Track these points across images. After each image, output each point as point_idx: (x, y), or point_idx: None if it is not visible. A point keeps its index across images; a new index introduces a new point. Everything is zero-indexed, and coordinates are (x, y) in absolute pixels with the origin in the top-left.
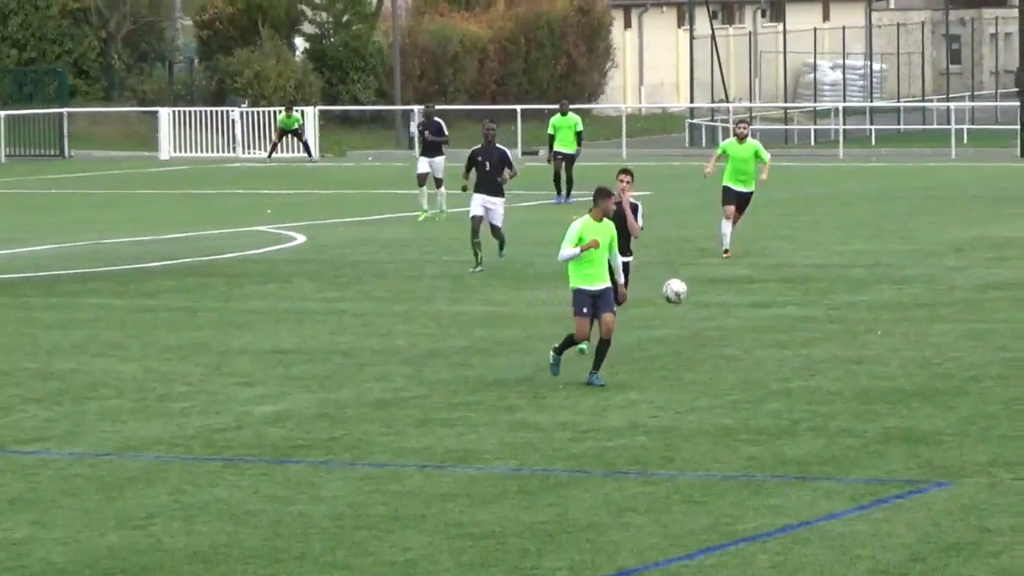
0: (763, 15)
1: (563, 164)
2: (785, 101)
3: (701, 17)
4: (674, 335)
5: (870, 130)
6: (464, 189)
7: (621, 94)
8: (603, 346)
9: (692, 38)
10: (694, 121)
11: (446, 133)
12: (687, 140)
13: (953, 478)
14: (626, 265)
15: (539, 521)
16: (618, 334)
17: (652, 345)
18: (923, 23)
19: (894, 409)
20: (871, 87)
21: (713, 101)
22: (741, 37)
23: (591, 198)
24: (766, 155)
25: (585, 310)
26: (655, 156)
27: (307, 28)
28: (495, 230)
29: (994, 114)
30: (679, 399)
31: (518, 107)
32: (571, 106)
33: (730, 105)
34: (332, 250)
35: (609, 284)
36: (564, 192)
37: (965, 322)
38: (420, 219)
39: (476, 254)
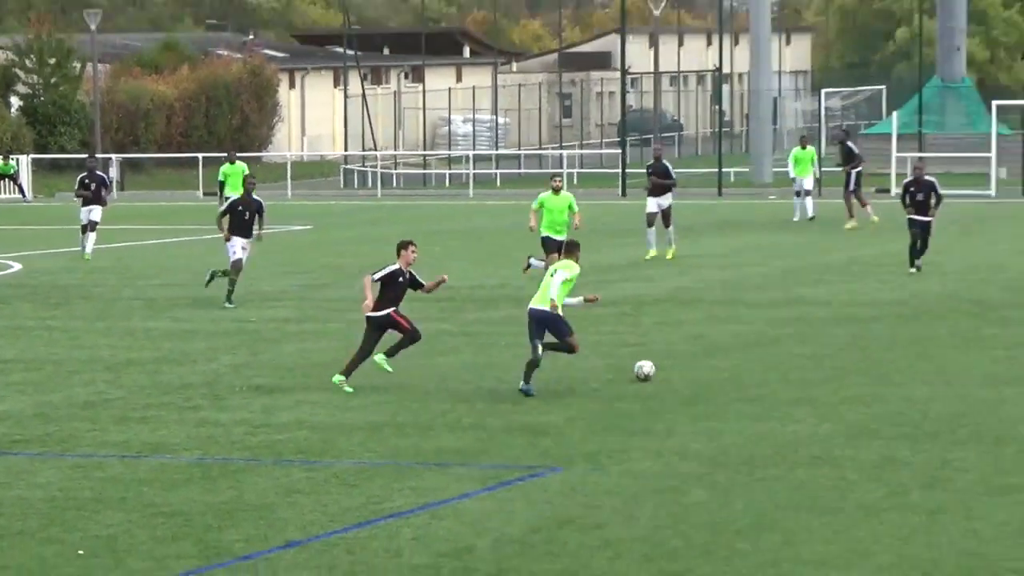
0: (406, 77)
1: None
2: (424, 149)
3: (354, 79)
4: (333, 346)
5: (496, 174)
6: (228, 238)
7: (287, 143)
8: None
9: (346, 97)
10: (348, 167)
11: (108, 184)
12: (342, 183)
13: (564, 464)
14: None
15: (220, 501)
16: (284, 345)
17: (312, 355)
18: (540, 83)
19: (516, 407)
20: (497, 137)
21: (364, 149)
22: (387, 96)
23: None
24: (576, 206)
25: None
26: (315, 196)
27: (21, 88)
28: (240, 269)
29: (600, 160)
30: (337, 400)
31: (199, 155)
32: (241, 155)
33: (378, 153)
34: (44, 276)
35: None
36: None
37: (577, 333)
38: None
39: (231, 291)
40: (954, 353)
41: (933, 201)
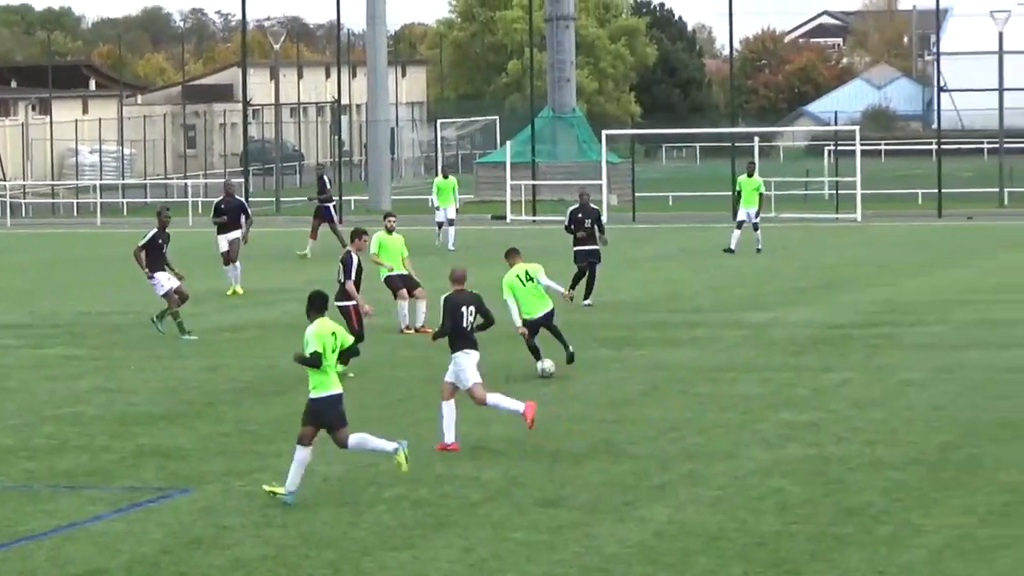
0: (34, 108)
1: None
2: (53, 179)
3: None
4: None
5: (123, 203)
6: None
7: None
8: None
9: None
10: None
11: None
12: None
13: (195, 485)
14: None
15: None
16: None
17: None
18: (165, 115)
19: (146, 430)
20: (123, 167)
21: None
22: (15, 127)
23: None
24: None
25: None
26: None
27: None
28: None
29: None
30: None
31: None
32: None
33: (7, 183)
34: None
35: None
36: None
37: (202, 358)
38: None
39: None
40: (574, 374)
41: (598, 229)
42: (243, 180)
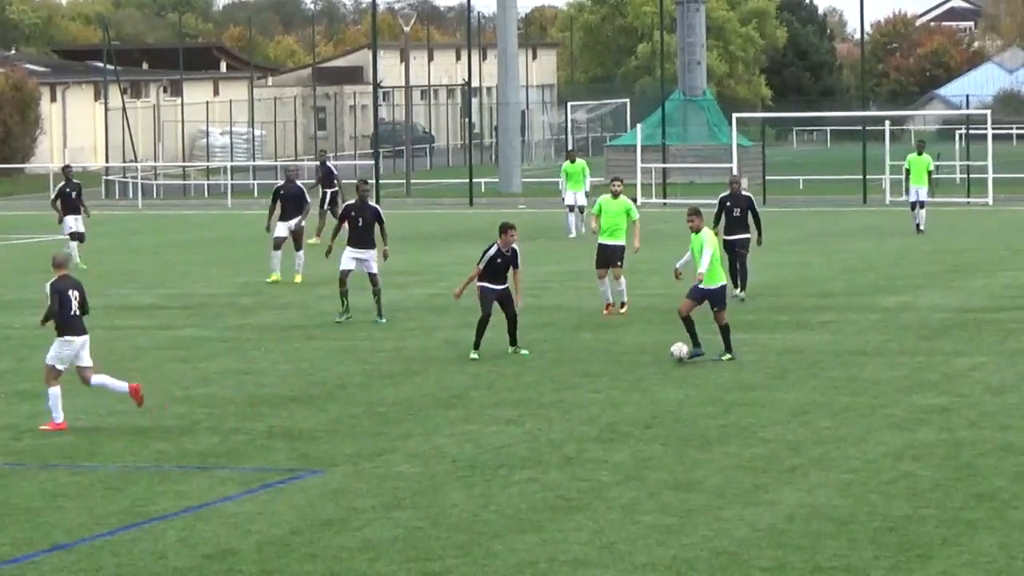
0: (165, 91)
1: None
2: (183, 161)
3: (114, 92)
4: (93, 353)
5: (254, 184)
6: (329, 251)
7: (49, 155)
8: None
9: (107, 110)
10: (109, 177)
11: None
12: (103, 193)
13: (325, 466)
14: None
15: None
16: (47, 351)
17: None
18: (295, 97)
19: (276, 411)
20: (254, 149)
21: (125, 161)
22: (147, 109)
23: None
24: (636, 213)
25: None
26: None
27: None
28: (373, 278)
29: (354, 171)
30: (101, 405)
31: None
32: (3, 166)
33: (138, 164)
34: None
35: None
36: None
37: (334, 340)
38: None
39: (343, 302)
40: (703, 357)
41: (751, 219)
42: (373, 162)
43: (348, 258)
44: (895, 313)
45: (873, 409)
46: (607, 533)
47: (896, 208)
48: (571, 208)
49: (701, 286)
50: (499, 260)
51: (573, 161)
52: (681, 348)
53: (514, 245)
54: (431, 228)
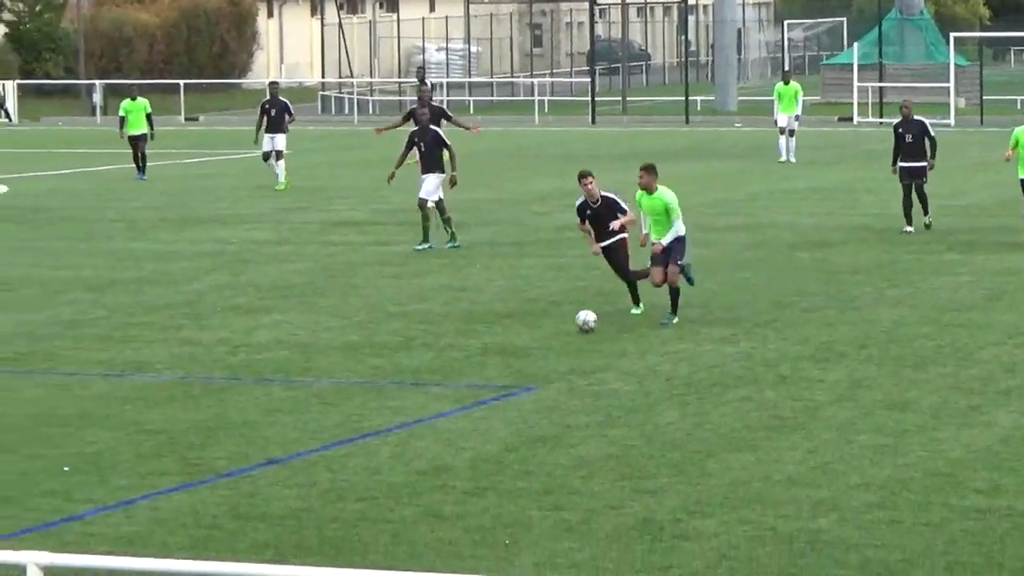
0: (381, 6)
1: None
2: (399, 77)
3: (330, 8)
4: (310, 268)
5: (469, 101)
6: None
7: (265, 71)
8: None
9: (323, 25)
10: (325, 93)
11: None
12: (319, 109)
13: (539, 383)
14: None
15: (202, 420)
16: (263, 266)
17: (291, 276)
18: (511, 14)
19: (491, 328)
20: (469, 66)
21: (340, 77)
22: (363, 24)
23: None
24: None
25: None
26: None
27: (7, 16)
28: (439, 204)
29: (570, 88)
30: (315, 320)
31: (181, 81)
32: (221, 81)
33: (354, 80)
34: (29, 198)
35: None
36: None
37: (547, 257)
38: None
39: (425, 233)
40: (919, 278)
41: (927, 145)
42: (589, 79)
43: (419, 185)
44: None
45: None
46: (821, 453)
47: None
48: (781, 131)
49: (658, 241)
50: (588, 212)
51: (787, 82)
52: (587, 318)
53: (603, 194)
54: (648, 146)
